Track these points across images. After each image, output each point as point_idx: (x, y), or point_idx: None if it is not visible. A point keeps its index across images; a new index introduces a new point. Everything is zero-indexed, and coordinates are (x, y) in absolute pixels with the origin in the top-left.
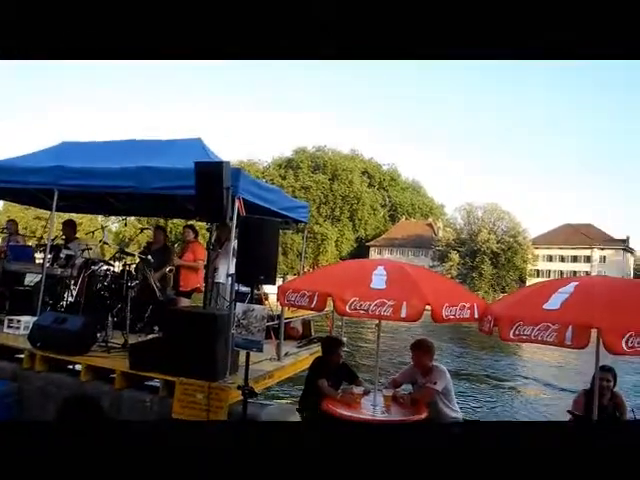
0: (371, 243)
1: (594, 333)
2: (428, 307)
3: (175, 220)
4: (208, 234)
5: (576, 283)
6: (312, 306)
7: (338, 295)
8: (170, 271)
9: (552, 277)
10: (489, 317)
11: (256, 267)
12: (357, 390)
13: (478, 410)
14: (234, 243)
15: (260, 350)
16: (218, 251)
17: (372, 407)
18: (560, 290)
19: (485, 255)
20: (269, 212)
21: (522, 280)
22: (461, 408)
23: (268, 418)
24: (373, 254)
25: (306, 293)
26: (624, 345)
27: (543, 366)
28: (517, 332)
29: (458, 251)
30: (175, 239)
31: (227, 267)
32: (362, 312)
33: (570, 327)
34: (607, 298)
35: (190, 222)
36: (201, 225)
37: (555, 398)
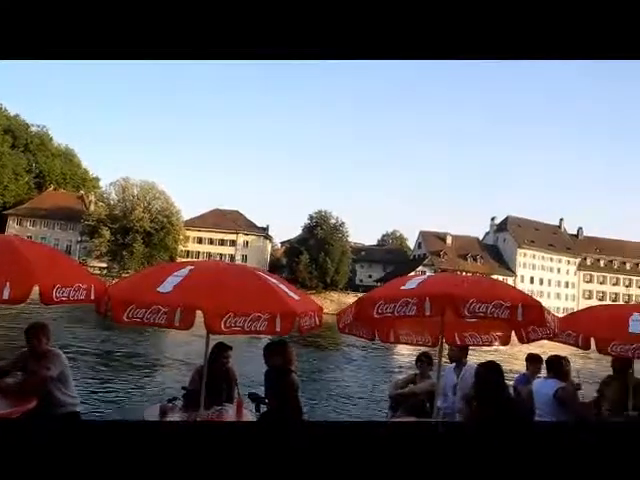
0: (10, 212)
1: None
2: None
3: None
4: None
5: (192, 267)
6: None
7: None
8: None
9: (201, 258)
10: (106, 299)
11: None
12: None
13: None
14: None
15: None
16: None
17: None
18: (175, 273)
19: (138, 233)
20: None
21: (173, 260)
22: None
23: None
24: (12, 224)
25: None
26: (222, 325)
27: (180, 345)
28: (130, 315)
29: (110, 227)
30: None
31: None
32: None
33: (179, 309)
34: (214, 282)
35: None
36: None
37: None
